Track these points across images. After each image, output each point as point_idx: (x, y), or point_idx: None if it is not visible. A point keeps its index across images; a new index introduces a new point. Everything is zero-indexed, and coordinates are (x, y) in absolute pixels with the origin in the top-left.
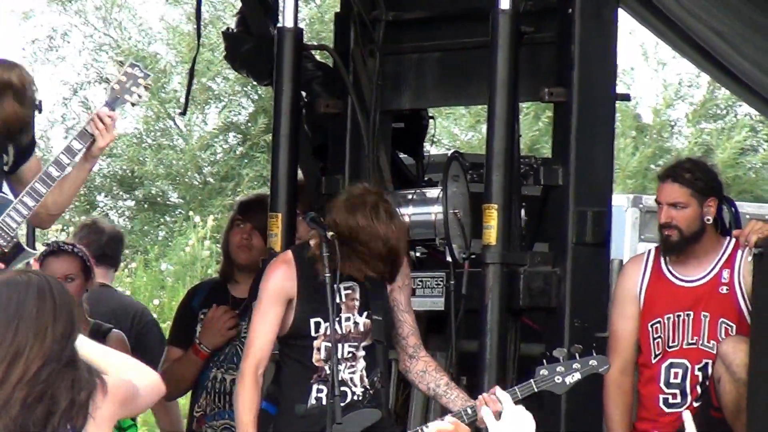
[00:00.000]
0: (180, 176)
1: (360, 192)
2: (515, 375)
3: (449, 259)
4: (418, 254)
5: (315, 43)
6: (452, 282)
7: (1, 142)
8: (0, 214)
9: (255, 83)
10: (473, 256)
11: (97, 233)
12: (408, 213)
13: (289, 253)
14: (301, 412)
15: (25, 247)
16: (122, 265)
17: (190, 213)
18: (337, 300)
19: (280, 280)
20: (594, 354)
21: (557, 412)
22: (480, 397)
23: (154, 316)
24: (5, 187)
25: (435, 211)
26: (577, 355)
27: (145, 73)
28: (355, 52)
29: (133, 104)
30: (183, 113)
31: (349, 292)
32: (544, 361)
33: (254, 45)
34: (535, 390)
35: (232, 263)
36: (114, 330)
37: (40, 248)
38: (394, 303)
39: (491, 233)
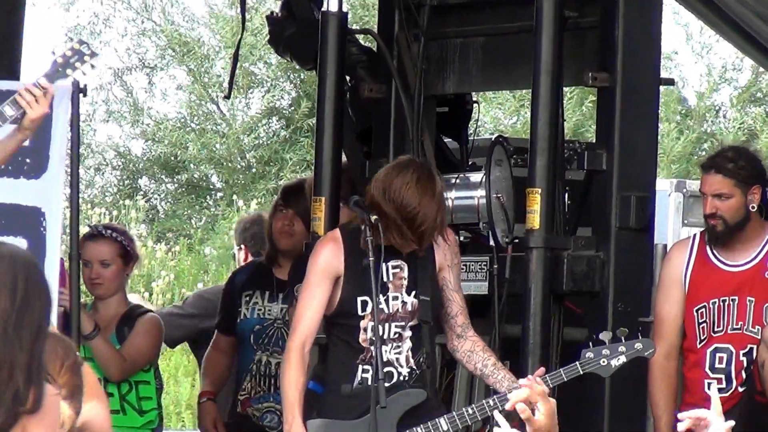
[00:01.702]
0: (223, 160)
1: (404, 159)
2: (558, 359)
3: (492, 243)
4: (461, 238)
5: (359, 28)
6: (495, 266)
7: None
8: None
9: (297, 68)
10: (516, 241)
11: (261, 225)
12: (451, 197)
13: (338, 231)
14: (347, 392)
15: None
16: (166, 248)
17: (234, 197)
18: (384, 279)
19: (327, 258)
20: (639, 337)
21: (601, 396)
22: (525, 380)
23: None
24: None
25: (478, 196)
26: (622, 338)
27: (92, 51)
28: (399, 36)
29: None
30: (227, 97)
31: (396, 271)
32: (590, 344)
33: (298, 29)
34: (581, 372)
35: (275, 248)
36: (150, 313)
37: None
38: (443, 281)
39: (534, 218)
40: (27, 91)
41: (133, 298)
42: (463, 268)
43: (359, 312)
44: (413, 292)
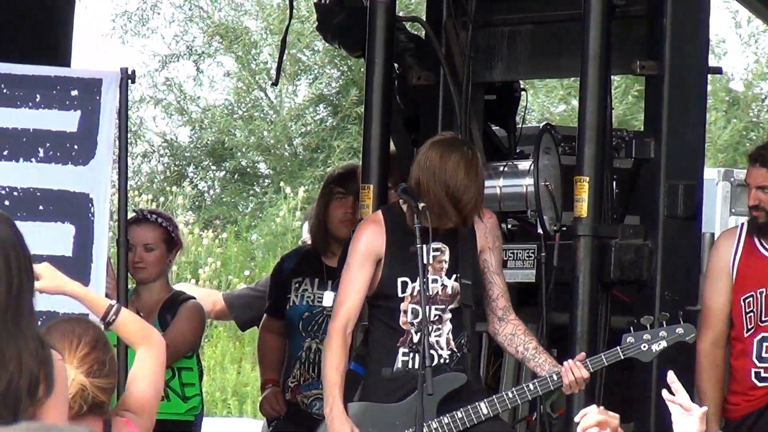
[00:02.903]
0: (270, 147)
1: (449, 138)
2: (605, 347)
3: (540, 231)
4: (509, 226)
5: (407, 15)
6: (543, 254)
7: None
8: None
9: (345, 55)
10: (564, 229)
11: None
12: (499, 185)
13: (379, 213)
14: (387, 375)
15: None
16: (213, 235)
17: (281, 184)
18: (424, 261)
19: (369, 240)
20: (681, 322)
21: (648, 385)
22: (566, 363)
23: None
24: None
25: (526, 184)
26: (663, 323)
27: None
28: (447, 24)
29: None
30: (275, 84)
31: (437, 254)
32: (631, 328)
33: (347, 16)
34: (621, 357)
35: (328, 235)
36: (192, 300)
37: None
38: (484, 264)
39: (582, 206)
40: None
41: (183, 287)
42: (510, 256)
43: (399, 293)
44: (454, 276)
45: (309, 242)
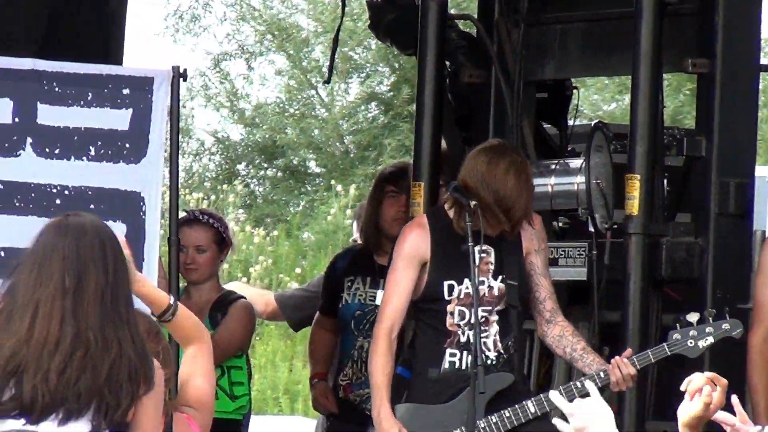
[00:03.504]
0: (322, 145)
1: (497, 144)
2: (657, 341)
3: (592, 229)
4: (560, 224)
5: (459, 13)
6: (594, 252)
7: None
8: None
9: (396, 53)
10: (615, 227)
11: None
12: (551, 183)
13: (424, 217)
14: (434, 376)
15: None
16: (264, 233)
17: (332, 182)
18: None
19: (414, 243)
20: (727, 318)
21: (701, 365)
22: (613, 360)
23: (295, 284)
24: None
25: (578, 182)
26: (710, 318)
27: None
28: (499, 22)
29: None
30: (327, 82)
31: (483, 255)
32: (677, 325)
33: (398, 14)
34: (668, 353)
35: (380, 233)
36: (242, 300)
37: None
38: (530, 266)
39: (634, 203)
40: None
41: (235, 285)
42: (562, 254)
43: (446, 296)
44: (500, 277)
45: (359, 240)
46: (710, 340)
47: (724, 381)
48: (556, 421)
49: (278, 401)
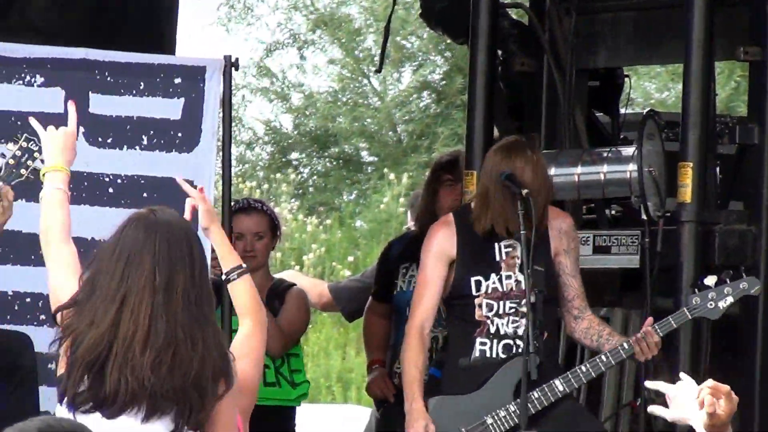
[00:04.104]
0: (374, 134)
1: (511, 140)
2: (709, 332)
3: (644, 217)
4: (613, 212)
5: (511, 1)
6: (647, 240)
7: None
8: None
9: (449, 42)
10: (668, 214)
11: None
12: (603, 171)
13: (450, 215)
14: (464, 365)
15: None
16: (317, 222)
17: (385, 171)
18: (497, 258)
19: (441, 242)
20: (744, 276)
21: (752, 367)
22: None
23: (348, 272)
24: None
25: (630, 170)
26: (727, 279)
27: (39, 146)
28: (551, 10)
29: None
30: (378, 71)
31: (509, 250)
32: (696, 289)
33: (450, 3)
34: (689, 317)
35: (435, 220)
36: (296, 287)
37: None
38: (559, 266)
39: (686, 191)
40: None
41: (289, 274)
42: (614, 242)
43: (473, 292)
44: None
45: (414, 228)
46: (730, 299)
47: (725, 388)
48: (655, 408)
49: (331, 389)
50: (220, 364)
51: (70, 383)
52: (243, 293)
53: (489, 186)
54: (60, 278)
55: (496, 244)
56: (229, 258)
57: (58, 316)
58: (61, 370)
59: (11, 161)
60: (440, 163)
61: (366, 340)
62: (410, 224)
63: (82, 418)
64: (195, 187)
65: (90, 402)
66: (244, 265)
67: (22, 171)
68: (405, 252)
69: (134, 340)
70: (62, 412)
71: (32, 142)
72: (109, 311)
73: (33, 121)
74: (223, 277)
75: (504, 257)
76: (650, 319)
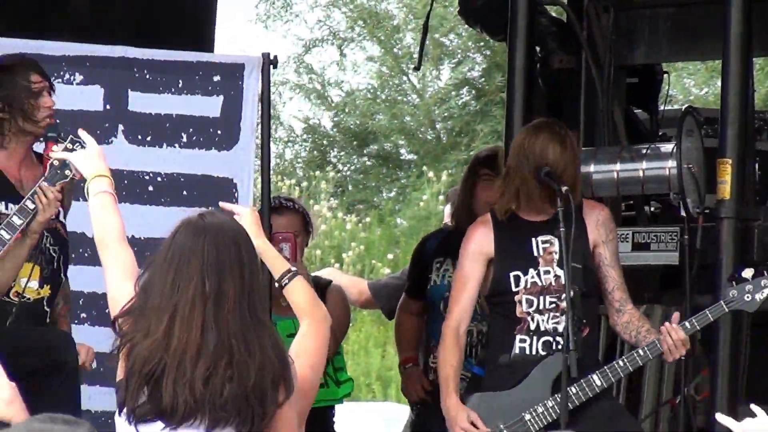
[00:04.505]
0: (414, 132)
1: (540, 120)
2: (749, 329)
3: (683, 213)
4: (652, 209)
5: None
6: (686, 237)
7: None
8: None
9: (488, 39)
10: (707, 211)
11: None
12: (642, 168)
13: (488, 215)
14: (504, 361)
15: None
16: (356, 219)
17: (424, 168)
18: (535, 253)
19: (478, 241)
20: None
21: None
22: (662, 328)
23: (388, 270)
24: None
25: (669, 166)
26: (765, 272)
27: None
28: (589, 7)
29: (73, 179)
30: (417, 68)
31: (546, 245)
32: (733, 282)
33: (488, 0)
34: (726, 310)
35: (473, 216)
36: (335, 284)
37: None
38: (599, 258)
39: (725, 188)
40: (42, 192)
41: (329, 272)
42: (654, 239)
43: (513, 288)
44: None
45: (450, 224)
46: (767, 292)
47: None
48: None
49: (371, 387)
50: (279, 368)
51: (129, 395)
52: (298, 294)
53: (511, 165)
54: (116, 281)
55: (533, 240)
56: (278, 264)
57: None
58: (119, 375)
59: (56, 162)
60: (478, 157)
61: (398, 338)
62: (447, 220)
63: (144, 428)
64: (235, 187)
65: (153, 413)
66: (293, 268)
67: (67, 172)
68: (440, 247)
69: (186, 352)
70: (121, 423)
71: (78, 144)
72: (162, 322)
73: (83, 133)
74: (276, 284)
75: (541, 252)
76: (676, 315)
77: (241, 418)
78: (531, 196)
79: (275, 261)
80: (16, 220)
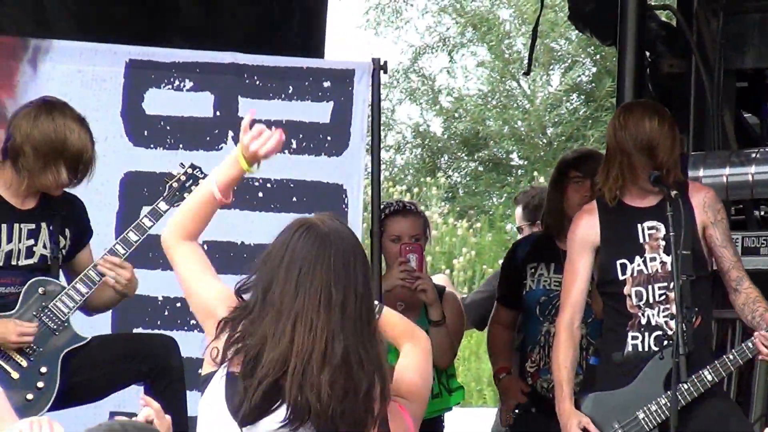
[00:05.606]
0: (524, 137)
1: (631, 102)
2: None
3: None
4: (762, 213)
5: (659, 3)
6: None
7: (59, 225)
8: (53, 300)
9: (598, 44)
10: None
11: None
12: (751, 172)
13: (593, 203)
14: (617, 359)
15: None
16: (467, 225)
17: (534, 173)
18: (641, 240)
19: (584, 230)
20: None
21: None
22: (758, 333)
23: None
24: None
25: None
26: None
27: (204, 174)
28: (698, 11)
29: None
30: (527, 73)
31: (652, 231)
32: None
33: (598, 5)
34: None
35: (564, 219)
36: (447, 290)
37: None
38: (709, 239)
39: None
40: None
41: (439, 278)
42: (763, 243)
43: (620, 276)
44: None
45: (524, 228)
46: None
47: None
48: None
49: (482, 393)
50: (383, 381)
51: (246, 400)
52: (391, 325)
53: (609, 144)
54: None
55: (639, 226)
56: None
57: (210, 323)
58: (205, 371)
59: (175, 184)
60: (566, 160)
61: (490, 347)
62: (520, 223)
63: (253, 428)
64: (345, 193)
65: (264, 414)
66: (377, 303)
67: (185, 195)
68: (531, 253)
69: (312, 358)
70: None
71: (198, 170)
72: (285, 328)
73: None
74: None
75: (647, 239)
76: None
77: (349, 427)
78: (635, 171)
79: None
80: (132, 237)
